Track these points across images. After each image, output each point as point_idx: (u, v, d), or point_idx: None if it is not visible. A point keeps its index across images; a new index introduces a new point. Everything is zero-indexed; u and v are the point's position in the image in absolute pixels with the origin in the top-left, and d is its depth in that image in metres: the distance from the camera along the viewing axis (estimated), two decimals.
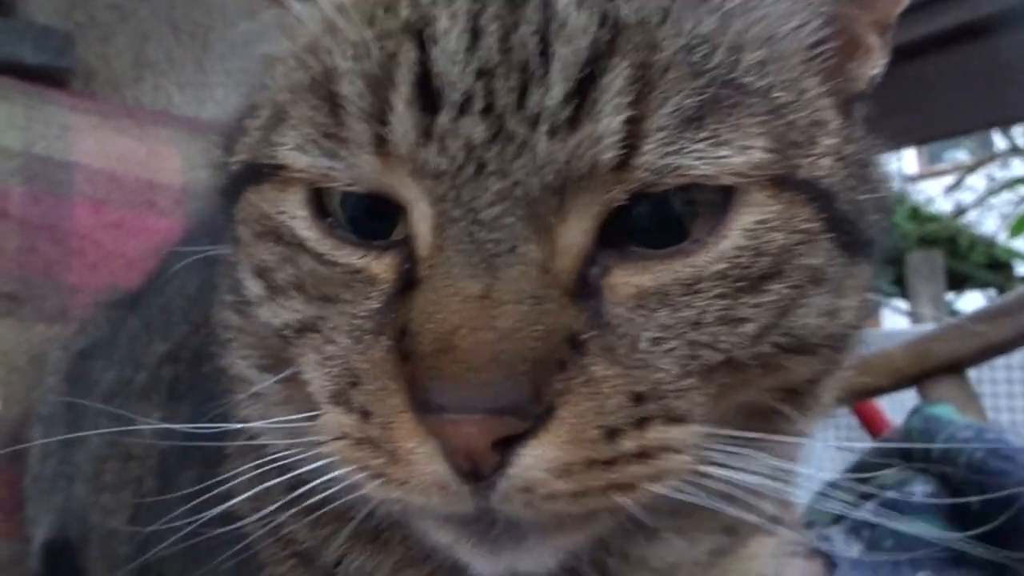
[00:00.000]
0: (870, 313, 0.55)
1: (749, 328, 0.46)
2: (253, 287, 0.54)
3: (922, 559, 0.85)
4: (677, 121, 0.44)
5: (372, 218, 0.49)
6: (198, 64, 2.15)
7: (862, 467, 0.98)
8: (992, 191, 7.86)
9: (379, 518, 0.53)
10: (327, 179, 0.49)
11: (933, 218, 7.91)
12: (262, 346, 0.58)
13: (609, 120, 0.44)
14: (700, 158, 0.44)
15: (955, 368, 1.45)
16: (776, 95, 0.48)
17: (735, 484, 0.47)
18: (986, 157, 7.99)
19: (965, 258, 7.28)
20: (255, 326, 0.57)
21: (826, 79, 0.52)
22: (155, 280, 1.11)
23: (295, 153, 0.49)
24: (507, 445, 0.42)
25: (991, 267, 7.43)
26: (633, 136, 0.44)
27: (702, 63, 0.46)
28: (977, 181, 8.14)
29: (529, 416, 0.42)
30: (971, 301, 7.07)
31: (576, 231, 0.45)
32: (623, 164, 0.44)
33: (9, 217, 1.51)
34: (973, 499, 0.82)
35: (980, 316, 1.44)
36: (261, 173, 0.53)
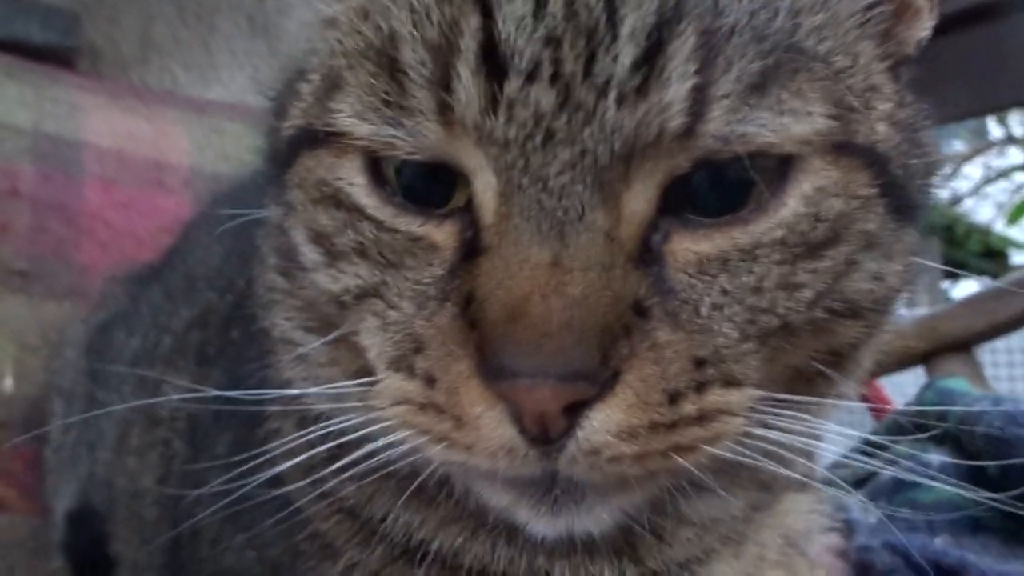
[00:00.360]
0: (913, 278, 0.55)
1: (806, 293, 0.47)
2: (309, 253, 0.54)
3: (939, 525, 0.87)
4: (742, 87, 0.44)
5: (429, 185, 0.49)
6: (204, 45, 2.15)
7: (874, 443, 0.98)
8: (988, 180, 7.89)
9: (426, 476, 0.53)
10: (388, 148, 0.48)
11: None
12: (309, 309, 0.58)
13: (677, 86, 0.44)
14: (764, 125, 0.44)
15: (963, 346, 1.46)
16: (834, 59, 0.48)
17: (781, 445, 0.47)
18: (982, 146, 8.01)
19: (961, 246, 7.32)
20: (302, 289, 0.57)
21: (880, 42, 0.52)
22: (174, 253, 1.11)
23: (354, 120, 0.49)
24: (575, 409, 0.43)
25: (987, 255, 7.47)
26: (699, 103, 0.44)
27: (764, 27, 0.45)
28: (973, 170, 8.18)
29: (598, 381, 0.43)
30: (966, 289, 7.10)
31: (640, 198, 0.45)
32: (689, 131, 0.44)
33: (20, 196, 1.51)
34: (991, 464, 0.83)
35: (988, 294, 1.45)
36: (317, 138, 0.52)
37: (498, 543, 0.56)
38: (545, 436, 0.43)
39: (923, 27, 0.54)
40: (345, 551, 0.59)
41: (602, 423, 0.43)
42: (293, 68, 0.60)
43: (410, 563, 0.58)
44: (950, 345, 1.45)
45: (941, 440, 0.99)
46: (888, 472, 0.90)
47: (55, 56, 1.85)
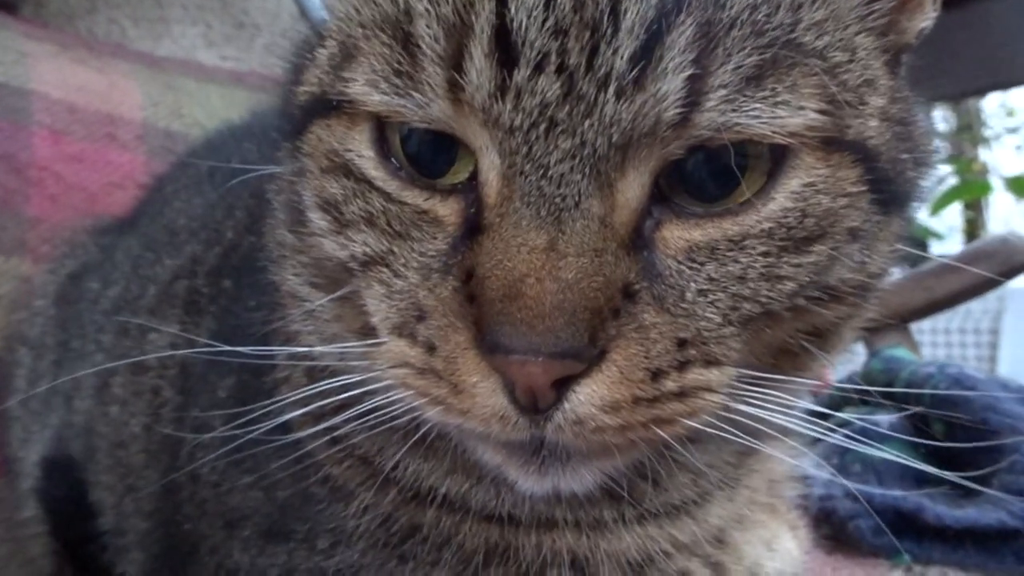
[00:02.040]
0: (897, 260, 0.57)
1: (789, 285, 0.49)
2: (318, 220, 0.56)
3: (888, 480, 0.93)
4: (738, 79, 0.46)
5: (433, 154, 0.51)
6: None
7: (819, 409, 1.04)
8: None
9: (427, 430, 0.56)
10: (397, 115, 0.50)
11: None
12: (316, 266, 0.59)
13: (673, 78, 0.45)
14: (757, 117, 0.46)
15: (900, 322, 1.55)
16: (831, 55, 0.50)
17: (757, 418, 0.51)
18: None
19: None
20: (311, 247, 0.59)
21: (880, 35, 0.54)
22: (150, 203, 1.10)
23: (366, 89, 0.50)
24: (563, 383, 0.46)
25: (907, 243, 7.77)
26: (695, 93, 0.46)
27: (764, 22, 0.47)
28: None
29: (586, 359, 0.46)
30: None
31: (634, 186, 0.47)
32: (684, 120, 0.46)
33: None
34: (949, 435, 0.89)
35: (927, 273, 1.54)
36: (330, 106, 0.54)
37: (501, 489, 0.59)
38: (534, 407, 0.46)
39: (925, 17, 0.56)
40: (358, 493, 0.61)
41: (587, 397, 0.46)
42: (313, 30, 0.61)
43: (421, 505, 0.60)
44: (889, 319, 1.53)
45: (888, 403, 1.05)
46: (852, 420, 0.97)
47: None
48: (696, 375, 0.48)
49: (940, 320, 2.29)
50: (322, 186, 0.55)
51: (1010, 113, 4.99)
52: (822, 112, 0.48)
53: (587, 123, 0.46)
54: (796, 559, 0.69)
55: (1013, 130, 4.91)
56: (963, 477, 0.80)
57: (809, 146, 0.48)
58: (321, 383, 0.57)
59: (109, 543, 0.85)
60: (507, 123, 0.47)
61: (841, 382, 1.18)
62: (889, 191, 0.52)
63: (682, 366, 0.48)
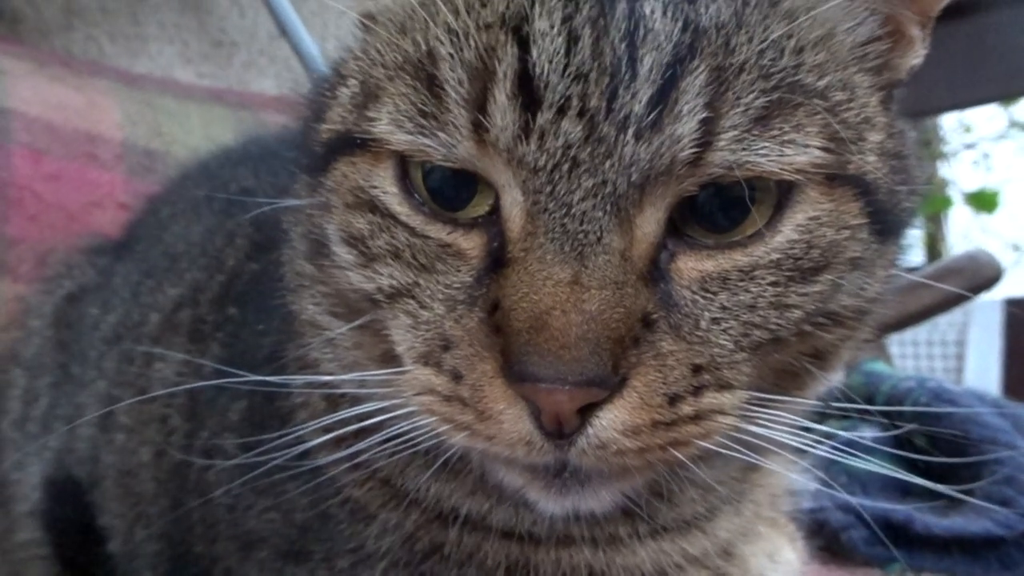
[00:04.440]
0: (894, 283, 0.60)
1: (796, 313, 0.52)
2: (344, 254, 0.57)
3: (872, 491, 0.96)
4: (747, 120, 0.49)
5: (454, 188, 0.53)
6: (132, 15, 2.08)
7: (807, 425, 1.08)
8: None
9: (452, 455, 0.57)
10: (422, 154, 0.52)
11: None
12: (336, 296, 0.61)
13: (688, 120, 0.48)
14: (766, 155, 0.49)
15: (875, 336, 1.59)
16: (832, 95, 0.52)
17: (765, 438, 0.53)
18: None
19: None
20: (331, 278, 0.60)
21: (875, 74, 0.57)
22: (144, 228, 1.10)
23: (391, 128, 0.52)
24: (587, 409, 0.48)
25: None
26: (708, 134, 0.48)
27: (771, 65, 0.50)
28: None
29: (609, 386, 0.48)
30: None
31: (651, 221, 0.50)
32: (697, 159, 0.48)
33: None
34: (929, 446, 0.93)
35: (899, 288, 1.59)
36: (354, 144, 0.55)
37: (520, 509, 0.61)
38: (559, 432, 0.48)
39: (916, 55, 0.59)
40: (380, 515, 0.63)
41: (610, 422, 0.48)
42: (334, 69, 0.62)
43: (443, 525, 0.62)
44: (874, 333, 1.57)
45: (869, 417, 1.09)
46: (841, 434, 1.00)
47: None
48: (711, 399, 0.50)
49: (909, 332, 2.36)
50: (348, 221, 0.56)
51: (967, 129, 5.13)
52: (825, 149, 0.51)
53: (608, 163, 0.48)
54: (796, 570, 0.71)
55: (970, 146, 5.05)
56: (947, 489, 0.84)
57: (813, 181, 0.51)
58: (342, 411, 0.58)
59: (118, 567, 0.85)
60: (531, 163, 0.49)
61: (823, 396, 1.22)
62: (886, 221, 0.55)
63: (697, 391, 0.50)
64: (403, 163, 0.54)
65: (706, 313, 0.50)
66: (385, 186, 0.54)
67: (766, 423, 0.53)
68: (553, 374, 0.46)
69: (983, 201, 3.74)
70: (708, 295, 0.51)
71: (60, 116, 1.65)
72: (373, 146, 0.54)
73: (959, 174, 5.00)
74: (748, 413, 0.53)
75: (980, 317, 2.58)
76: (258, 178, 0.96)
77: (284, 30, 1.89)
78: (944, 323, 2.60)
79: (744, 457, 0.53)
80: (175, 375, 0.81)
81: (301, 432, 0.60)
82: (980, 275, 1.49)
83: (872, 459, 1.01)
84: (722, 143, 0.48)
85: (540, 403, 0.47)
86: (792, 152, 0.49)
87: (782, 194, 0.51)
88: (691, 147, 0.48)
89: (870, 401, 1.12)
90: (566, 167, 0.48)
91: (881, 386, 1.12)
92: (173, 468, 0.78)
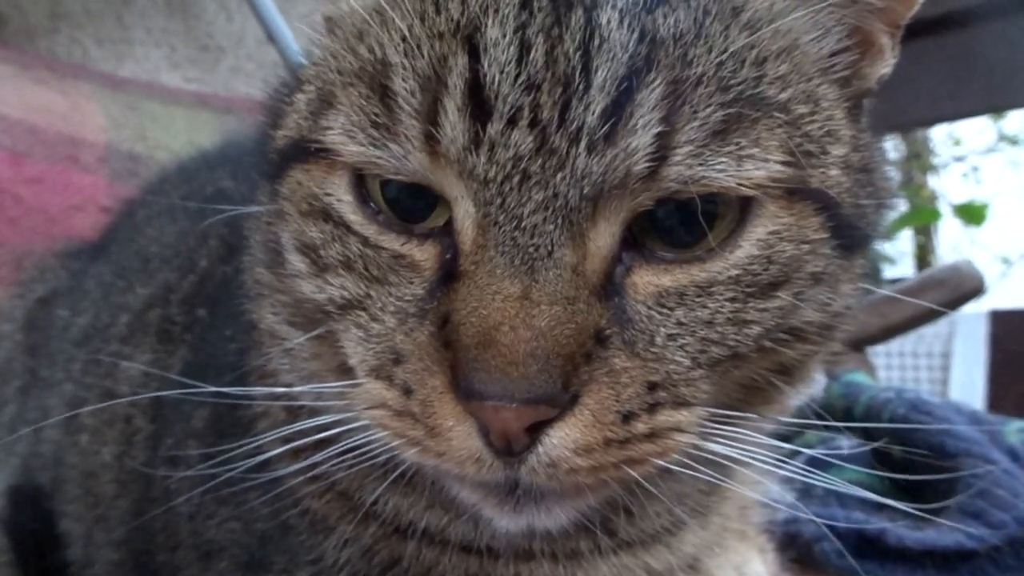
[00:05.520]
0: (860, 297, 0.58)
1: (755, 329, 0.51)
2: (297, 262, 0.56)
3: (849, 503, 0.96)
4: (704, 135, 0.47)
5: (412, 200, 0.52)
6: (118, 19, 2.07)
7: (780, 434, 1.07)
8: None
9: (408, 469, 0.57)
10: (374, 167, 0.51)
11: None
12: (294, 305, 0.60)
13: (643, 134, 0.47)
14: (723, 170, 0.48)
15: (857, 347, 1.59)
16: (795, 108, 0.51)
17: (726, 456, 0.52)
18: None
19: None
20: (288, 287, 0.59)
21: (842, 86, 0.56)
22: (119, 230, 1.09)
23: (344, 139, 0.51)
24: (537, 427, 0.47)
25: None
26: (664, 148, 0.47)
27: (730, 78, 0.49)
28: None
29: (558, 404, 0.47)
30: None
31: (605, 235, 0.49)
32: (653, 174, 0.47)
33: None
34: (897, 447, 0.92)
35: (881, 299, 1.59)
36: (308, 152, 0.54)
37: (479, 523, 0.59)
38: (508, 450, 0.47)
39: (885, 64, 0.58)
40: (338, 527, 0.62)
41: (560, 440, 0.47)
42: (292, 75, 0.61)
43: (401, 538, 0.61)
44: (847, 345, 1.57)
45: (847, 427, 1.08)
46: (808, 453, 0.99)
47: None
48: (666, 416, 0.49)
49: (894, 344, 2.36)
50: (301, 230, 0.55)
51: (957, 142, 5.16)
52: (786, 164, 0.49)
53: (559, 176, 0.47)
54: None
55: (960, 158, 5.08)
56: (920, 507, 0.83)
57: (773, 196, 0.50)
58: (300, 422, 0.57)
59: (77, 574, 0.84)
60: (481, 175, 0.48)
61: (801, 408, 1.21)
62: (850, 235, 0.54)
63: (652, 408, 0.49)
64: (358, 172, 0.53)
65: (662, 329, 0.49)
66: (339, 195, 0.53)
67: (726, 441, 0.52)
68: (500, 391, 0.45)
69: (971, 213, 3.76)
70: (664, 311, 0.49)
71: (43, 119, 1.64)
72: (327, 156, 0.53)
73: (948, 186, 5.03)
74: (707, 430, 0.51)
75: (965, 329, 2.58)
76: (236, 180, 0.95)
77: (271, 36, 1.88)
78: (929, 335, 2.61)
79: (703, 476, 0.52)
80: (142, 376, 0.81)
81: (261, 442, 0.59)
82: (963, 287, 1.49)
83: (847, 471, 1.01)
84: (678, 158, 0.47)
85: (487, 420, 0.46)
86: (751, 167, 0.48)
87: (742, 208, 0.50)
88: (646, 161, 0.47)
89: (849, 412, 1.12)
90: (516, 179, 0.47)
91: (860, 397, 1.11)
92: (135, 471, 0.77)
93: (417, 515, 0.60)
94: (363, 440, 0.53)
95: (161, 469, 0.72)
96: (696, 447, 0.51)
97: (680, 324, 0.49)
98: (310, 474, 0.60)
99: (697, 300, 0.50)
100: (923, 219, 4.29)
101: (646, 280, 0.50)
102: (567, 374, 0.46)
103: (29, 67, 1.71)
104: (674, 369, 0.49)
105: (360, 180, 0.53)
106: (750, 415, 0.54)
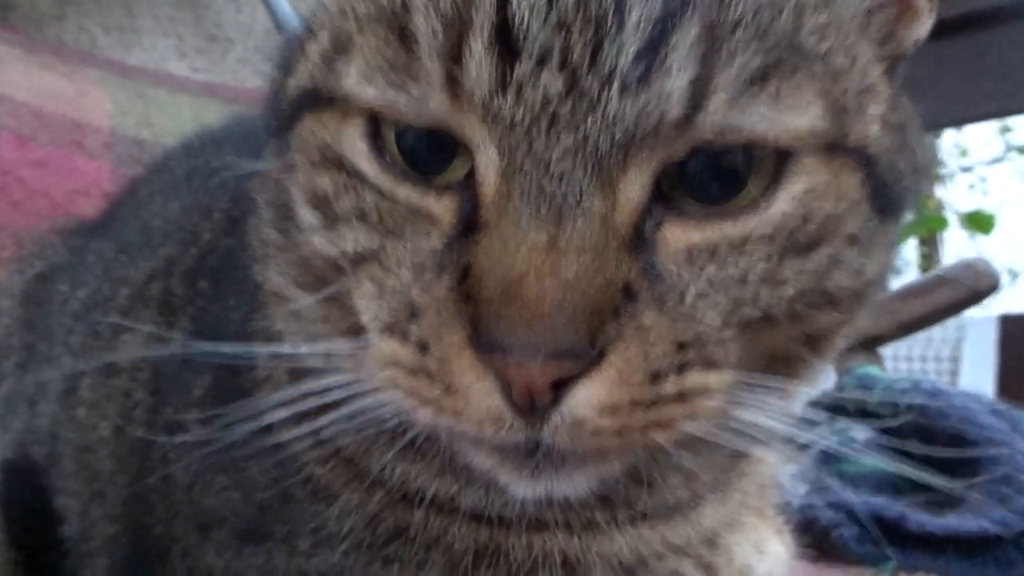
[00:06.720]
0: (892, 266, 0.57)
1: (788, 290, 0.49)
2: (307, 216, 0.54)
3: (864, 492, 0.94)
4: (741, 81, 0.45)
5: (430, 152, 0.50)
6: (126, 7, 2.06)
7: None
8: None
9: (418, 435, 0.54)
10: (392, 111, 0.49)
11: None
12: (303, 265, 0.58)
13: (678, 77, 0.45)
14: (761, 119, 0.46)
15: (868, 345, 1.57)
16: (833, 60, 0.50)
17: (754, 424, 0.50)
18: None
19: None
20: (297, 246, 0.57)
21: (879, 45, 0.54)
22: (121, 207, 1.07)
23: (361, 83, 0.49)
24: (561, 384, 0.45)
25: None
26: (699, 94, 0.45)
27: (768, 24, 0.47)
28: None
29: (585, 359, 0.44)
30: None
31: (636, 186, 0.46)
32: (687, 120, 0.45)
33: None
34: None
35: (892, 297, 1.57)
36: (322, 100, 0.53)
37: (491, 492, 0.57)
38: (531, 408, 0.45)
39: (922, 27, 0.56)
40: (342, 494, 0.59)
41: (585, 398, 0.45)
42: (304, 24, 0.59)
43: (408, 506, 0.59)
44: (856, 343, 1.55)
45: (862, 420, 1.06)
46: (822, 444, 0.97)
47: None
48: (695, 378, 0.47)
49: (902, 348, 2.35)
50: (312, 180, 0.53)
51: (963, 153, 5.16)
52: (825, 116, 0.48)
53: (590, 120, 0.45)
54: (784, 562, 0.68)
55: (967, 169, 5.07)
56: (945, 482, 0.81)
57: (811, 151, 0.48)
58: (305, 383, 0.55)
59: (72, 551, 0.82)
60: (507, 118, 0.45)
61: (813, 402, 1.20)
62: (887, 197, 0.52)
63: (681, 369, 0.47)
64: (374, 121, 0.51)
65: (692, 286, 0.47)
66: (353, 144, 0.51)
67: (755, 408, 0.50)
68: (524, 344, 0.43)
69: (980, 222, 3.74)
70: (695, 267, 0.47)
71: (49, 103, 1.63)
72: (342, 104, 0.51)
73: (955, 196, 5.03)
74: (735, 398, 0.49)
75: (975, 333, 2.56)
76: (240, 157, 0.93)
77: (280, 27, 1.87)
78: (938, 339, 2.59)
79: (731, 444, 0.50)
80: (141, 348, 0.79)
81: (263, 407, 0.57)
82: (978, 284, 1.47)
83: (861, 460, 0.99)
84: (714, 104, 0.45)
85: (510, 376, 0.44)
86: (789, 117, 0.46)
87: (778, 163, 0.48)
88: (680, 107, 0.45)
89: (863, 405, 1.09)
90: (544, 123, 0.45)
91: (875, 388, 1.09)
92: (133, 444, 0.75)
93: (426, 482, 0.58)
94: (373, 402, 0.51)
95: (160, 439, 0.70)
96: (723, 413, 0.49)
97: (711, 282, 0.47)
98: (314, 439, 0.58)
99: (730, 258, 0.47)
100: (929, 227, 4.28)
101: (677, 235, 0.47)
102: (594, 329, 0.44)
103: (36, 51, 1.71)
104: (704, 329, 0.47)
105: (375, 130, 0.51)
106: (777, 385, 0.52)
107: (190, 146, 1.09)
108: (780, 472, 0.72)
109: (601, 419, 0.45)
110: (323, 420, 0.55)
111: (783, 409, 0.52)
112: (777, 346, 0.52)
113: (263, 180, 0.62)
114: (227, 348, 0.58)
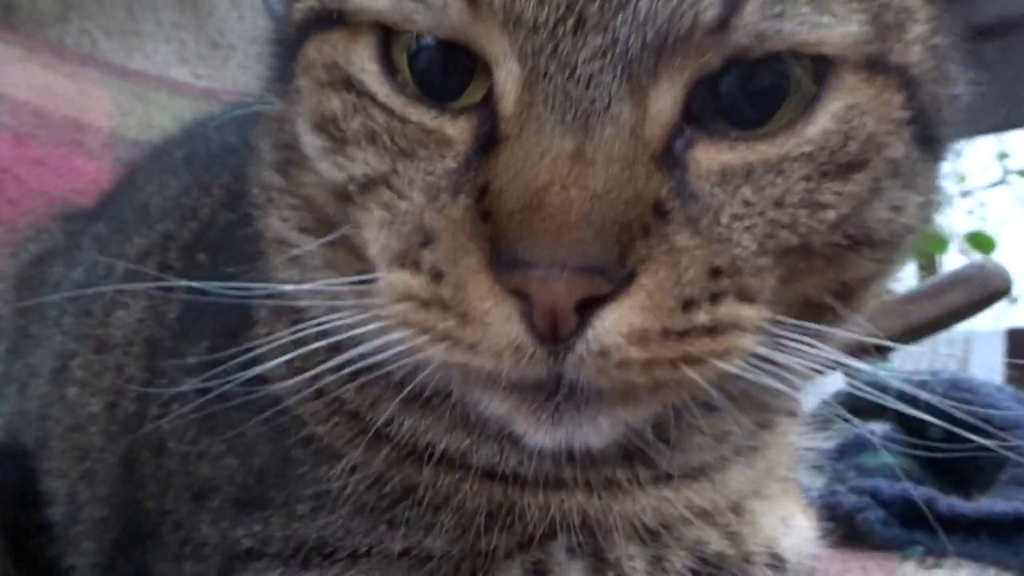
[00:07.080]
0: (930, 216, 0.55)
1: (829, 215, 0.46)
2: (313, 140, 0.51)
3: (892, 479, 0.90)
4: None
5: (444, 74, 0.47)
6: (128, 11, 2.06)
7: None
8: None
9: (427, 384, 0.51)
10: (406, 22, 0.46)
11: None
12: (307, 207, 0.55)
13: None
14: (801, 24, 0.43)
15: (878, 353, 1.54)
16: None
17: (788, 368, 0.47)
18: None
19: None
20: (301, 186, 0.55)
21: None
22: (119, 192, 1.05)
23: None
24: (587, 308, 0.42)
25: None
26: None
27: None
28: None
29: (613, 278, 0.41)
30: None
31: (667, 97, 0.44)
32: (723, 24, 0.43)
33: None
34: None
35: (903, 299, 1.54)
36: (330, 19, 0.50)
37: (505, 446, 0.54)
38: (554, 334, 0.42)
39: None
40: (345, 452, 0.56)
41: (614, 324, 0.42)
42: None
43: (416, 463, 0.55)
44: (869, 347, 1.52)
45: (879, 415, 1.03)
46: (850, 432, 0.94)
47: None
48: (728, 310, 0.44)
49: (908, 361, 2.31)
50: (319, 102, 0.51)
51: (962, 178, 5.17)
52: (867, 28, 0.45)
53: (619, 18, 0.42)
54: (811, 538, 0.65)
55: (966, 193, 5.08)
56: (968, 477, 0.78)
57: (853, 65, 0.46)
58: (305, 324, 0.52)
59: (59, 534, 0.78)
60: (530, 20, 0.43)
61: (827, 402, 1.16)
62: (928, 124, 0.50)
63: (714, 298, 0.44)
64: (386, 40, 0.48)
65: (727, 208, 0.44)
66: (363, 63, 0.49)
67: (790, 350, 0.47)
68: (549, 258, 0.40)
69: (981, 242, 3.73)
70: (730, 188, 0.45)
71: (49, 102, 1.62)
72: (351, 19, 0.49)
73: (954, 221, 5.02)
74: (771, 336, 0.46)
75: (982, 347, 2.53)
76: (242, 136, 0.92)
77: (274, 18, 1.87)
78: (945, 353, 2.55)
79: (761, 382, 0.46)
80: (136, 322, 0.76)
81: (256, 355, 0.54)
82: (988, 285, 1.44)
83: (882, 454, 0.96)
84: (751, 7, 0.42)
85: (532, 293, 0.41)
86: (831, 23, 0.44)
87: (818, 77, 0.45)
88: (716, 7, 0.42)
89: (879, 403, 1.06)
90: (571, 22, 0.42)
91: (891, 383, 1.06)
92: (124, 420, 0.72)
93: (436, 437, 0.55)
94: (380, 345, 0.48)
95: (153, 410, 0.67)
96: (756, 355, 0.46)
97: (747, 203, 0.45)
98: (313, 389, 0.55)
99: (766, 178, 0.45)
100: (929, 250, 4.26)
101: (711, 155, 0.45)
102: (623, 245, 0.41)
103: (37, 51, 1.70)
104: (739, 254, 0.44)
105: (386, 50, 0.48)
106: (811, 326, 0.49)
107: (189, 130, 1.07)
108: (810, 446, 0.69)
109: (630, 348, 0.42)
110: (323, 366, 0.52)
111: (818, 355, 0.49)
112: (811, 292, 0.50)
113: (265, 123, 0.60)
114: (220, 285, 0.55)
